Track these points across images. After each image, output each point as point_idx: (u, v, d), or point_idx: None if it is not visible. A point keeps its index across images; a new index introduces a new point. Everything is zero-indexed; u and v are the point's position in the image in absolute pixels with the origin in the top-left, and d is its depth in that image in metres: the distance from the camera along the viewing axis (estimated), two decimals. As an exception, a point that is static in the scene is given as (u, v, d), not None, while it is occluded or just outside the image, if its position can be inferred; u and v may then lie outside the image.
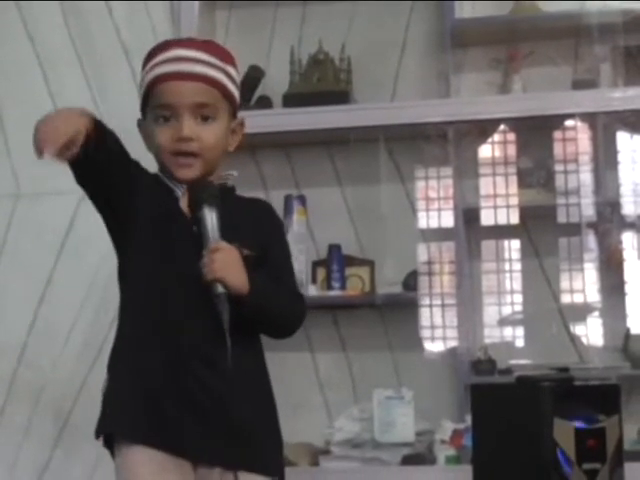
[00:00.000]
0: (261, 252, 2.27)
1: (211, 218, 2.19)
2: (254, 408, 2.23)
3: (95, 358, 3.60)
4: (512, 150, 3.69)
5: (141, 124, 2.34)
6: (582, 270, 3.62)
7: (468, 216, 3.65)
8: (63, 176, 3.79)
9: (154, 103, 2.26)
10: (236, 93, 2.33)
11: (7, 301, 3.79)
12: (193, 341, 2.18)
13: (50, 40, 3.93)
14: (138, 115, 2.32)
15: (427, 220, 3.70)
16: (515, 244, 3.72)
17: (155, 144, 2.27)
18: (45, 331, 3.73)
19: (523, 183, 3.66)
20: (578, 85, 3.61)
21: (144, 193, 2.24)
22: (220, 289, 2.15)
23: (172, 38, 2.39)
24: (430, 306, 3.63)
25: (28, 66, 3.92)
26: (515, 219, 3.65)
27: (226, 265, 2.15)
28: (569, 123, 3.62)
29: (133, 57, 3.79)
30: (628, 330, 3.56)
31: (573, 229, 3.60)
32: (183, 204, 2.25)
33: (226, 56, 2.33)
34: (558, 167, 3.63)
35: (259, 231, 2.31)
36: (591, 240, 3.64)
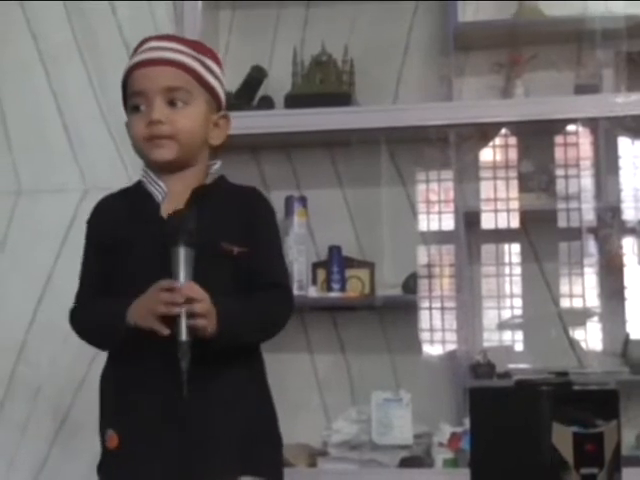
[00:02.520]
0: (250, 245, 2.22)
1: (184, 257, 2.08)
2: (248, 416, 2.21)
3: (94, 356, 3.57)
4: (513, 154, 3.69)
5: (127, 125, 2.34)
6: (582, 275, 3.63)
7: (468, 219, 3.65)
8: (64, 173, 3.84)
9: (128, 93, 2.27)
10: (217, 86, 2.30)
11: (7, 298, 3.78)
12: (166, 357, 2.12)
13: (53, 38, 3.92)
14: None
15: (427, 223, 3.71)
16: (515, 248, 3.72)
17: (131, 135, 2.26)
18: (44, 328, 3.73)
19: (524, 187, 3.66)
20: (580, 90, 3.61)
21: (124, 232, 2.23)
22: (185, 337, 2.03)
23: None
24: (429, 309, 3.63)
25: (31, 64, 3.91)
26: (515, 223, 3.65)
27: (211, 315, 2.08)
28: (571, 128, 3.62)
29: (136, 56, 3.80)
30: (627, 335, 3.57)
31: (573, 234, 3.60)
32: (164, 209, 2.22)
33: (206, 51, 2.32)
34: (559, 172, 3.63)
35: (247, 222, 2.24)
36: (591, 245, 3.64)
